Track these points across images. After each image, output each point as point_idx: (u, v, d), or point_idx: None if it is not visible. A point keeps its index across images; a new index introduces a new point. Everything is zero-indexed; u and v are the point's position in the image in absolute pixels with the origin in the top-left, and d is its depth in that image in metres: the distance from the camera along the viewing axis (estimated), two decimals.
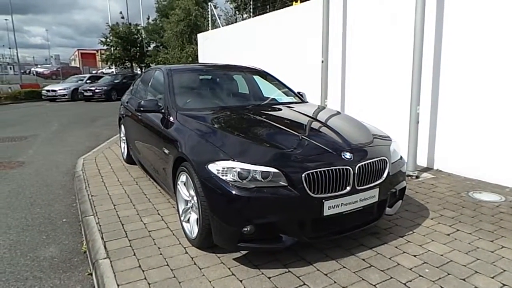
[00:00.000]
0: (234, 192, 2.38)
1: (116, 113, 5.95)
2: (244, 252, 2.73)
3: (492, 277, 2.42)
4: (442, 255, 2.71)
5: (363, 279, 2.40)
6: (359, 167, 2.58)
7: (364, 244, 2.88)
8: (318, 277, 2.44)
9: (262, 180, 2.41)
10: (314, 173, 2.44)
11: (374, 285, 2.33)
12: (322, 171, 2.45)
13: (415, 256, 2.70)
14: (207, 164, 2.54)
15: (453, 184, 4.38)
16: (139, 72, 26.15)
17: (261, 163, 2.44)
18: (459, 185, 4.34)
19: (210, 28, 13.88)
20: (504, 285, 2.33)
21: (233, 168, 2.44)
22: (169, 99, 3.63)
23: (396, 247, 2.84)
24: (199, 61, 12.79)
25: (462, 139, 4.64)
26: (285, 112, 3.65)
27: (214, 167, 2.50)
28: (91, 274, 2.72)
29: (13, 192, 4.70)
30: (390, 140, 3.15)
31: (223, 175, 2.45)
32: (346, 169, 2.53)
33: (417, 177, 4.61)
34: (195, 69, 4.67)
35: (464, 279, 2.40)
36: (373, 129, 3.29)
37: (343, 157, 2.58)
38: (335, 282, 2.38)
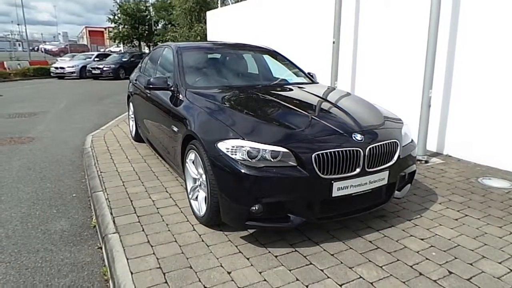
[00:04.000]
0: (243, 171, 2.37)
1: (124, 91, 5.95)
2: (251, 231, 2.75)
3: (500, 262, 2.41)
4: (449, 239, 2.71)
5: (369, 261, 2.41)
6: (369, 149, 2.55)
7: (371, 226, 2.88)
8: (325, 257, 2.45)
9: (272, 159, 2.40)
10: (324, 154, 2.41)
11: (381, 267, 2.34)
12: (332, 152, 2.43)
13: (422, 239, 2.70)
14: (216, 143, 2.54)
15: (462, 169, 4.33)
16: (147, 51, 25.98)
17: (271, 142, 2.43)
18: (468, 170, 4.29)
19: (219, 5, 13.64)
20: (511, 270, 2.33)
21: (243, 147, 2.43)
22: (179, 76, 3.60)
23: (403, 230, 2.84)
24: (208, 40, 12.63)
25: (473, 125, 4.56)
26: (295, 93, 3.61)
27: (224, 146, 2.49)
28: (101, 248, 2.77)
29: (23, 166, 4.76)
30: (402, 123, 3.10)
31: (232, 154, 2.44)
32: (357, 150, 2.50)
33: (426, 161, 4.56)
34: (204, 47, 4.61)
35: (471, 264, 2.39)
36: (385, 111, 3.24)
37: (353, 138, 2.55)
38: (341, 262, 2.39)
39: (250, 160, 2.40)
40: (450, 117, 4.84)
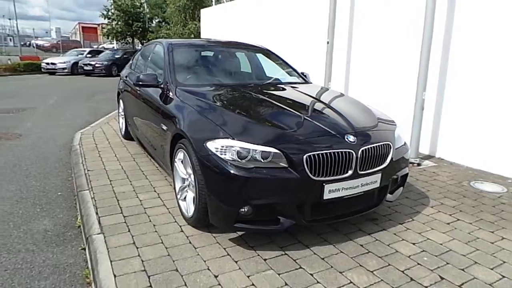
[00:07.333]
0: (232, 172, 2.30)
1: (116, 88, 5.83)
2: (240, 233, 2.68)
3: (492, 268, 2.38)
4: (441, 244, 2.67)
5: (360, 265, 2.36)
6: (362, 151, 2.50)
7: (362, 229, 2.84)
8: (315, 261, 2.39)
9: (262, 160, 2.33)
10: (316, 155, 2.36)
11: (372, 272, 2.29)
12: (324, 154, 2.37)
13: (414, 244, 2.65)
14: (205, 142, 2.46)
15: (454, 173, 4.31)
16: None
17: (261, 143, 2.36)
18: (461, 174, 4.27)
19: (213, 3, 13.54)
20: (504, 276, 2.29)
21: (232, 147, 2.36)
22: (169, 74, 3.51)
23: (395, 234, 2.80)
24: (201, 38, 12.52)
25: (466, 128, 4.55)
26: (288, 92, 3.55)
27: (213, 145, 2.42)
28: (84, 249, 2.68)
29: (9, 163, 4.63)
30: (395, 125, 3.06)
31: (221, 154, 2.37)
32: (349, 152, 2.45)
33: (418, 164, 4.54)
34: (196, 44, 4.53)
35: (463, 269, 2.35)
36: (378, 112, 3.19)
37: (346, 140, 2.50)
38: (331, 266, 2.33)
39: (239, 160, 2.33)
40: (443, 120, 4.83)
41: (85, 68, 18.94)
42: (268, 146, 2.35)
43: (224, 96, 3.30)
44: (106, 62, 18.98)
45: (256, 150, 2.34)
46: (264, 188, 2.34)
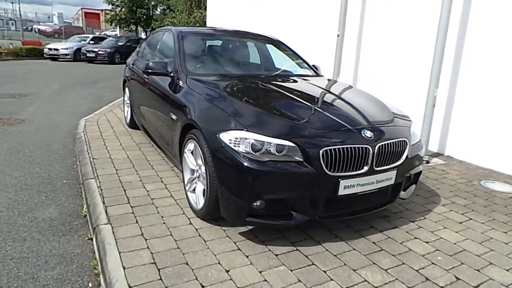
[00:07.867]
0: (245, 164, 2.24)
1: (119, 76, 5.75)
2: (250, 227, 2.63)
3: (508, 270, 2.33)
4: (455, 243, 2.62)
5: (374, 263, 2.31)
6: (378, 147, 2.43)
7: (374, 226, 2.78)
8: (327, 257, 2.34)
9: (276, 153, 2.26)
10: (332, 150, 2.29)
11: (386, 270, 2.24)
12: (341, 149, 2.31)
13: (427, 242, 2.60)
14: (218, 133, 2.40)
15: (464, 171, 4.25)
16: (144, 37, 25.49)
17: (276, 135, 2.30)
18: (470, 173, 4.22)
19: None
20: None
21: (246, 139, 2.29)
22: (179, 62, 3.43)
23: (407, 232, 2.75)
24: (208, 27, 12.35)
25: (476, 127, 4.48)
26: (301, 85, 3.47)
27: (226, 137, 2.35)
28: (91, 239, 2.63)
29: (12, 149, 4.57)
30: (410, 120, 2.99)
31: (235, 146, 2.31)
32: (366, 148, 2.38)
33: (427, 162, 4.48)
34: (207, 33, 4.43)
35: (478, 270, 2.31)
36: (393, 108, 3.12)
37: (363, 135, 2.43)
38: (345, 264, 2.28)
39: (253, 153, 2.27)
40: (453, 118, 4.75)
41: (88, 54, 18.77)
42: (283, 139, 2.29)
43: (237, 87, 3.22)
44: (109, 50, 18.82)
45: (270, 143, 2.27)
46: (278, 182, 2.28)
